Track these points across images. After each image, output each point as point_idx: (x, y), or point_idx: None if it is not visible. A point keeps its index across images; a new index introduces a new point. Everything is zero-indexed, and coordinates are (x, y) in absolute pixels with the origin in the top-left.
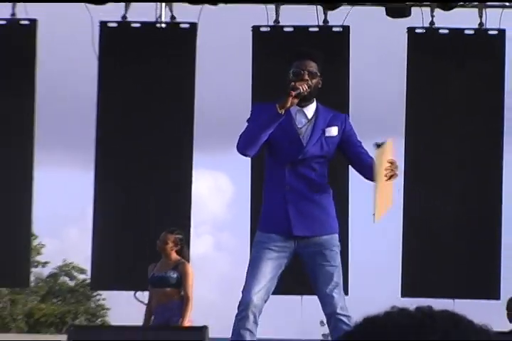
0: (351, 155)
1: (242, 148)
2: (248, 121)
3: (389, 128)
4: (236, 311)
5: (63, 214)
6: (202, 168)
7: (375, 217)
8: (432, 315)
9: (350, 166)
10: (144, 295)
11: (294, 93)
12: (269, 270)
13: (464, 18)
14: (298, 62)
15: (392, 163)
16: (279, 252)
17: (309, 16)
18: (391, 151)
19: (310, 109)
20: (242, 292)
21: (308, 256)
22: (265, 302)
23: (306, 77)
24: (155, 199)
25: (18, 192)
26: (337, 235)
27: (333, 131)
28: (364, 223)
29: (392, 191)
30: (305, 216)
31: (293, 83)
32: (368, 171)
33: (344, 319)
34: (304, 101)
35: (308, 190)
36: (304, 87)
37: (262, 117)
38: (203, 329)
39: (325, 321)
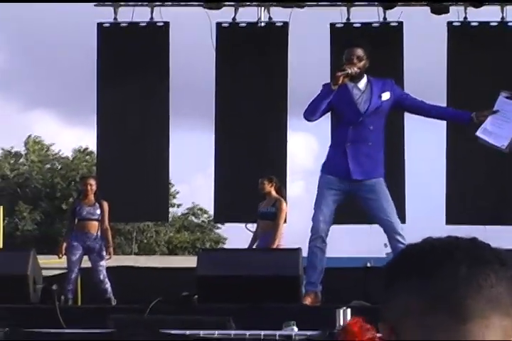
0: (409, 107)
1: (305, 114)
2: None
3: (433, 98)
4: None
5: (192, 166)
6: (296, 130)
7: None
8: (458, 238)
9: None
10: (253, 226)
11: (339, 73)
12: (331, 203)
13: (490, 14)
14: (348, 49)
15: None
16: (337, 190)
17: (372, 15)
18: None
19: (362, 83)
20: (312, 220)
21: (363, 194)
22: (330, 226)
23: (355, 60)
24: (260, 154)
25: (158, 150)
26: (382, 178)
27: (386, 95)
28: (416, 166)
29: None
30: (360, 165)
31: (343, 66)
32: (428, 113)
33: (400, 238)
34: (356, 78)
35: (365, 144)
36: (352, 69)
37: (320, 92)
38: (297, 250)
39: (387, 243)
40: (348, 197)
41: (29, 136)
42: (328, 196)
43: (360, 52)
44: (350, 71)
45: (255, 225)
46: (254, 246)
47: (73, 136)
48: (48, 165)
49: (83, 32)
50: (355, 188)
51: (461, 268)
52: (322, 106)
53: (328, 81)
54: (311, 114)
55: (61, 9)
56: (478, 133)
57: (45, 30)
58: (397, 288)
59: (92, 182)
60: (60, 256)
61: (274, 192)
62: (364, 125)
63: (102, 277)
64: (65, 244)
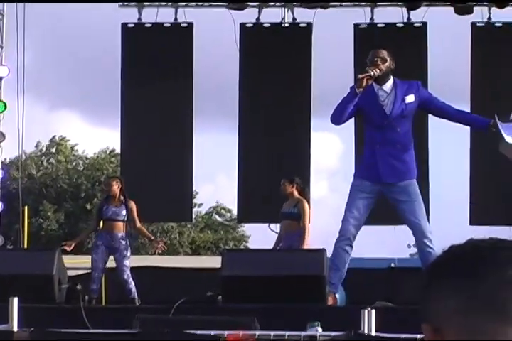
0: (434, 110)
1: (332, 118)
2: (343, 98)
3: (457, 98)
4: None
5: (215, 166)
6: (319, 130)
7: None
8: (502, 240)
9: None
10: (276, 227)
11: (361, 76)
12: (361, 206)
13: None
14: (372, 51)
15: None
16: (368, 194)
17: (396, 15)
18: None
19: (387, 85)
20: (342, 222)
21: (394, 196)
22: (359, 229)
23: (379, 62)
24: (283, 154)
25: (182, 151)
26: (415, 180)
27: (410, 98)
28: (440, 168)
29: None
30: (390, 167)
31: (366, 68)
32: (451, 117)
33: (427, 242)
34: (381, 80)
35: (393, 147)
36: (375, 71)
37: (346, 95)
38: (321, 251)
39: (411, 244)
40: (379, 199)
41: (53, 137)
42: (359, 199)
43: (383, 53)
44: (372, 73)
45: (278, 226)
46: (278, 247)
47: (99, 137)
48: (73, 166)
49: (108, 33)
50: (387, 190)
51: (507, 269)
52: (348, 110)
53: (352, 81)
54: (338, 117)
55: (86, 10)
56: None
57: (71, 31)
58: (440, 288)
59: (112, 182)
60: (67, 248)
61: (296, 193)
62: (391, 127)
63: (126, 277)
64: (91, 242)
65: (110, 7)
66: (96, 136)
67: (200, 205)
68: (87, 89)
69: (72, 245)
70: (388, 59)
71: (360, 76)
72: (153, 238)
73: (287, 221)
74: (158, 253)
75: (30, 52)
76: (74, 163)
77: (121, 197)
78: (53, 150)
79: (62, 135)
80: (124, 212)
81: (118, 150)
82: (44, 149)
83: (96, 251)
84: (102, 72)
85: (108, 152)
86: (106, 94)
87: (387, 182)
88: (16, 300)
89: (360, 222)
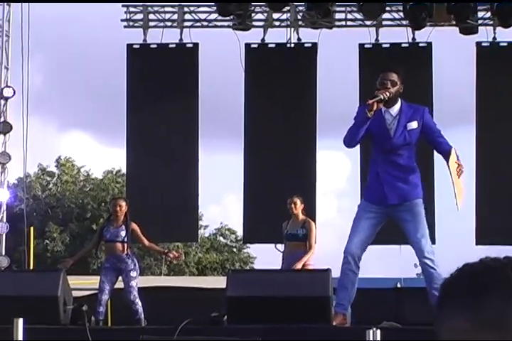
0: (431, 142)
1: (345, 142)
2: (354, 118)
3: (462, 117)
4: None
5: (221, 187)
6: (326, 150)
7: (458, 206)
8: None
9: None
10: (282, 247)
11: (370, 101)
12: (367, 227)
13: None
14: (382, 74)
15: (459, 164)
16: (374, 214)
17: (401, 35)
18: (455, 156)
19: (395, 109)
20: (347, 242)
21: (399, 216)
22: (364, 250)
23: (389, 85)
24: (289, 174)
25: (188, 171)
26: (420, 199)
27: (413, 124)
28: (446, 188)
29: (463, 183)
30: (395, 189)
31: (376, 91)
32: (444, 156)
33: (429, 262)
34: (389, 103)
35: (396, 170)
36: (384, 94)
37: (358, 118)
38: (327, 271)
39: (418, 264)
40: (387, 220)
41: (59, 157)
42: (365, 219)
43: (394, 76)
44: (382, 97)
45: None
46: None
47: (110, 157)
48: (79, 186)
49: (115, 53)
50: (393, 211)
51: None
52: (361, 133)
53: (358, 101)
54: (350, 141)
55: (93, 32)
56: None
57: (79, 52)
58: (450, 307)
59: (122, 203)
60: (64, 267)
61: (301, 213)
62: (394, 150)
63: (132, 297)
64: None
65: (116, 28)
66: (106, 156)
67: (206, 227)
68: (97, 110)
69: (70, 263)
70: (398, 83)
71: (369, 101)
72: (166, 251)
73: (294, 242)
74: (164, 274)
75: (40, 74)
76: (81, 184)
77: (124, 218)
78: (58, 170)
79: (67, 156)
80: (123, 233)
81: (124, 171)
82: (48, 170)
83: (104, 273)
84: (110, 92)
85: (114, 172)
86: (115, 115)
87: (392, 204)
88: (20, 321)
89: (366, 242)
